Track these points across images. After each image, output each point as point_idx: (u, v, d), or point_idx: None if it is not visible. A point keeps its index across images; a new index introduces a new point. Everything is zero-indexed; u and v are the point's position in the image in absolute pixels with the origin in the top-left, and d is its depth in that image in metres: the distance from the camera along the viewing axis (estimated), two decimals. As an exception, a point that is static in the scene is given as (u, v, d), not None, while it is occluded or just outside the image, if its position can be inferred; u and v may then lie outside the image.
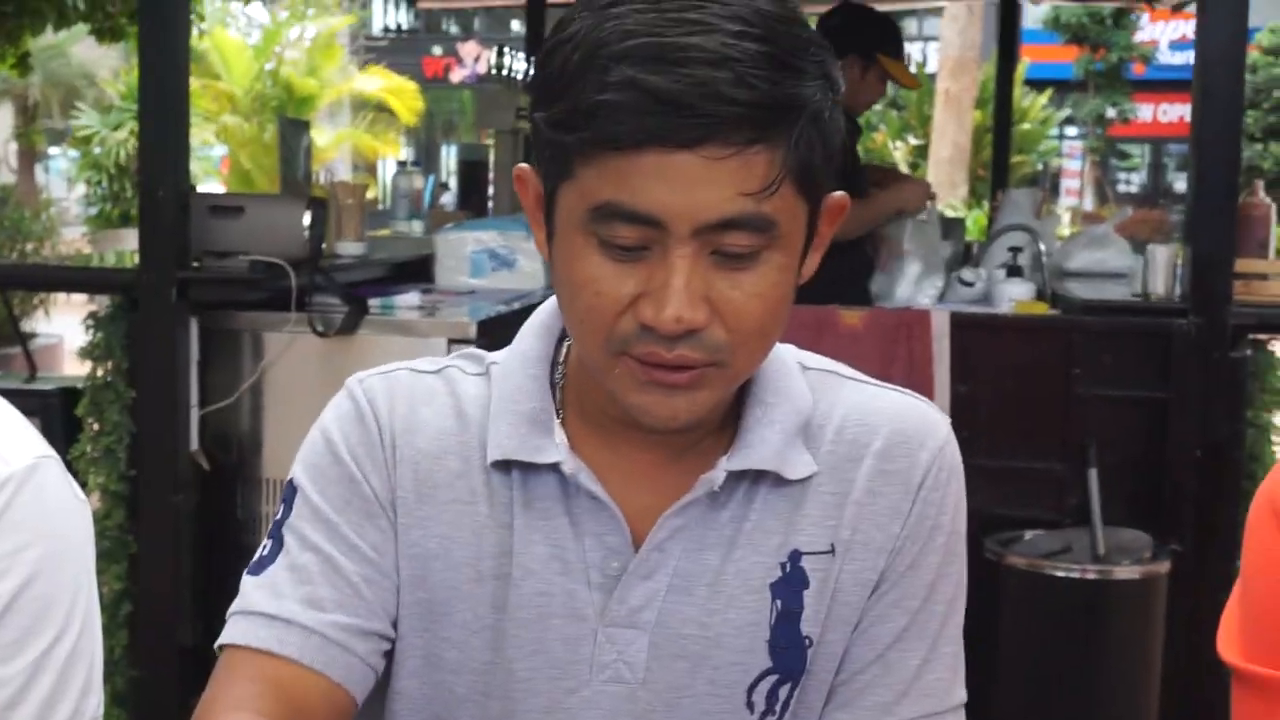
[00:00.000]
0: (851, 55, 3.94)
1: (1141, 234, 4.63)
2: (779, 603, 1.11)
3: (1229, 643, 1.13)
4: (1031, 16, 22.49)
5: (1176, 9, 6.16)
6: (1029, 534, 3.42)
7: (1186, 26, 18.02)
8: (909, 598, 1.13)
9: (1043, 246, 3.91)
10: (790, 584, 1.11)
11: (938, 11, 17.50)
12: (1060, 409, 3.51)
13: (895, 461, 1.13)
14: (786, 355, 1.16)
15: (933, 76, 17.62)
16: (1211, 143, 3.37)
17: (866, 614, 1.13)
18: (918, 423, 1.15)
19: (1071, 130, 25.18)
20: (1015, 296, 3.81)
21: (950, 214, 9.10)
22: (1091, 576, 3.22)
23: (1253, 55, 14.77)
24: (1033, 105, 19.46)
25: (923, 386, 3.41)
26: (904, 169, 15.99)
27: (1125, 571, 3.26)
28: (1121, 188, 26.07)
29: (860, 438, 1.14)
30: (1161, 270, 3.50)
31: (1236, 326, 3.35)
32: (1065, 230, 7.79)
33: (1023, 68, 19.15)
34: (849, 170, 3.83)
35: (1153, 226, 5.01)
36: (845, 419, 1.14)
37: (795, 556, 1.11)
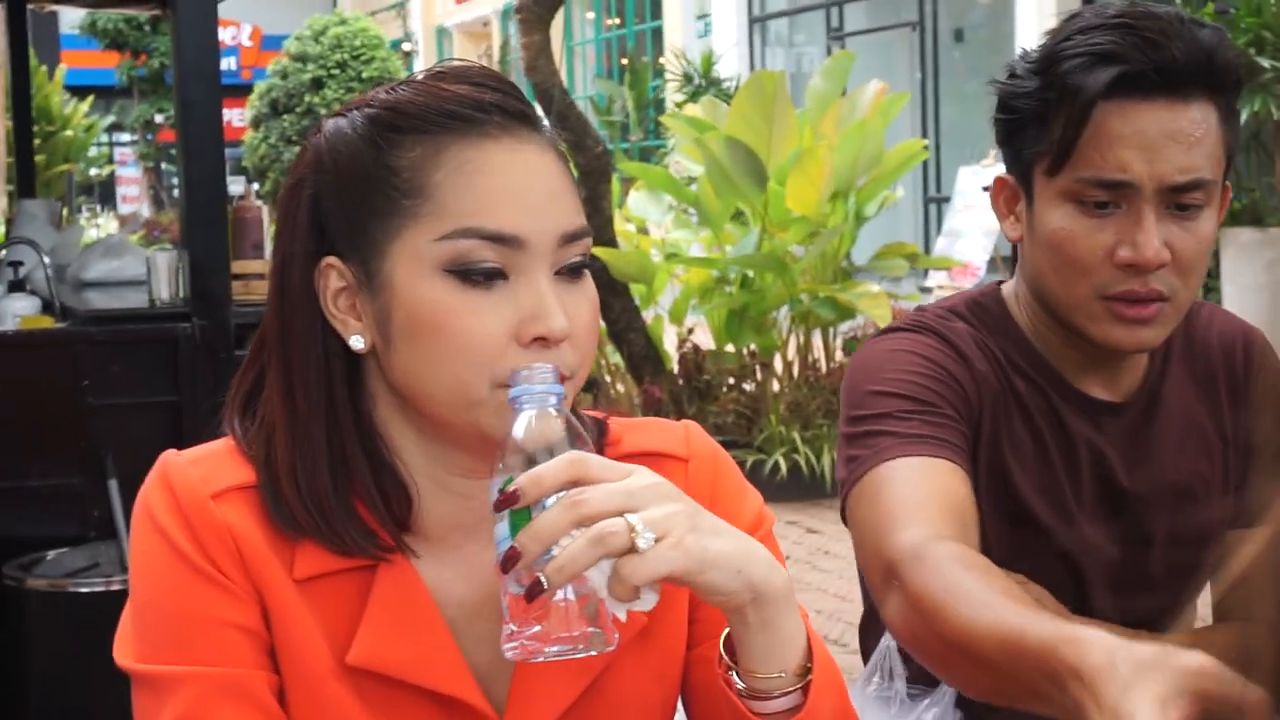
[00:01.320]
0: None
1: (170, 238, 4.70)
2: None
3: (124, 648, 1.18)
4: (68, 21, 21.91)
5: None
6: (52, 554, 3.34)
7: (224, 33, 18.42)
8: None
9: (46, 260, 3.82)
10: None
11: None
12: (74, 423, 3.46)
13: None
14: None
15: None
16: (198, 151, 3.48)
17: None
18: None
19: (124, 136, 24.88)
20: (19, 312, 3.70)
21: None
22: (117, 588, 3.21)
23: (283, 62, 15.40)
24: (75, 112, 18.94)
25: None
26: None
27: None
28: (179, 192, 26.20)
29: None
30: (164, 276, 3.57)
31: (239, 326, 3.49)
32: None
33: (62, 73, 18.62)
34: None
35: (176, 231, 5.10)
36: None
37: None
